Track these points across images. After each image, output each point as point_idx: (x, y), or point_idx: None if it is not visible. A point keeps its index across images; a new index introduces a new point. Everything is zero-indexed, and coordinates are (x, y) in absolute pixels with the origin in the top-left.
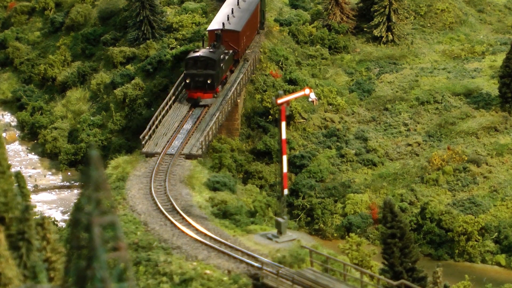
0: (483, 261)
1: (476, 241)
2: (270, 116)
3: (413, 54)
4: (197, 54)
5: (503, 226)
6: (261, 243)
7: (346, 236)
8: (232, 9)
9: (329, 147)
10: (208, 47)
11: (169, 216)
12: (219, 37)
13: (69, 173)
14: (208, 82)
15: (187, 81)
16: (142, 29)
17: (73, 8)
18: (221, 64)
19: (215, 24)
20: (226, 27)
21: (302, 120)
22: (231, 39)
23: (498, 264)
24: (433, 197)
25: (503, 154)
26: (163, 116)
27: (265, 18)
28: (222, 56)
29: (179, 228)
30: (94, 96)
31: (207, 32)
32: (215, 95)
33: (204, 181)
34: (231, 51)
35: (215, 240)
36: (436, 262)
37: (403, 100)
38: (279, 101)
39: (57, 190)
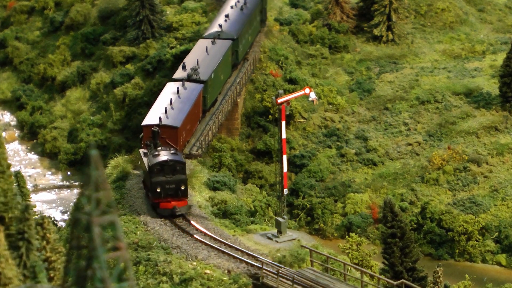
0: (484, 260)
1: (476, 240)
2: (270, 116)
3: (414, 53)
4: (162, 158)
5: (503, 226)
6: (261, 242)
7: (346, 236)
8: (171, 99)
9: (329, 147)
10: (164, 148)
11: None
12: (156, 134)
13: (68, 173)
14: (182, 188)
15: (158, 190)
16: (142, 28)
17: (72, 8)
18: None
19: (151, 117)
20: (163, 122)
21: (302, 120)
22: (168, 135)
23: (499, 263)
24: (433, 196)
25: (503, 154)
26: None
27: (266, 16)
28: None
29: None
30: (93, 95)
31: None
32: (188, 201)
33: (204, 181)
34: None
35: (215, 239)
36: (437, 261)
37: (404, 99)
38: (279, 100)
39: (56, 189)
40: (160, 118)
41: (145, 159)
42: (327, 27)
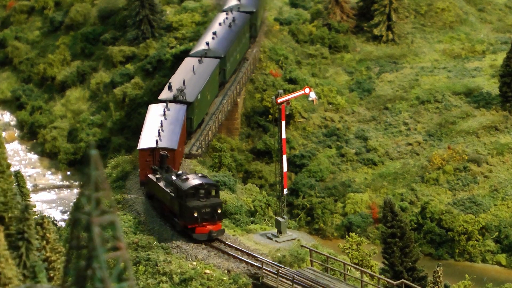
0: (484, 260)
1: (476, 240)
2: (270, 116)
3: (413, 53)
4: (196, 182)
5: (503, 226)
6: (261, 242)
7: (346, 236)
8: (161, 121)
9: (329, 147)
10: (194, 173)
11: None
12: (165, 158)
13: (68, 173)
14: (218, 212)
15: (195, 215)
16: (142, 28)
17: (72, 7)
18: None
19: (146, 141)
20: (160, 145)
21: (302, 120)
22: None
23: (499, 263)
24: (433, 196)
25: (503, 154)
26: None
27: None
28: None
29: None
30: (93, 95)
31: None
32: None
33: None
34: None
35: (215, 239)
36: (437, 261)
37: (403, 99)
38: (279, 100)
39: (56, 189)
40: (156, 141)
41: (161, 183)
42: (327, 27)
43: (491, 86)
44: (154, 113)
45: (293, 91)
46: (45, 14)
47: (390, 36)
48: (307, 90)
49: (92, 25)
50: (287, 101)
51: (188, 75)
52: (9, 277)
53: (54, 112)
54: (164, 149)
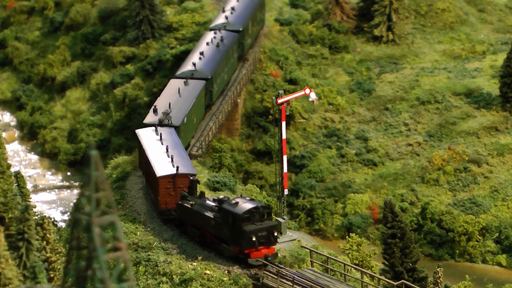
0: (484, 261)
1: (476, 241)
2: (270, 116)
3: (414, 53)
4: (250, 205)
5: (503, 226)
6: None
7: (347, 236)
8: (167, 146)
9: (329, 147)
10: (241, 197)
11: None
12: (195, 183)
13: (68, 173)
14: (275, 234)
15: (253, 240)
16: (142, 28)
17: (72, 8)
18: None
19: (164, 167)
20: (180, 171)
21: (302, 120)
22: (184, 184)
23: (499, 264)
24: (433, 197)
25: (503, 154)
26: None
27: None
28: None
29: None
30: (93, 96)
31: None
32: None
33: (204, 181)
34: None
35: None
36: (437, 262)
37: (404, 100)
38: (279, 101)
39: (56, 190)
40: (177, 168)
41: (199, 209)
42: (327, 27)
43: (492, 87)
44: (148, 138)
45: (294, 91)
46: (45, 14)
47: (391, 36)
48: (307, 90)
49: (92, 26)
50: (288, 102)
51: (173, 98)
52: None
53: (54, 112)
54: (184, 175)
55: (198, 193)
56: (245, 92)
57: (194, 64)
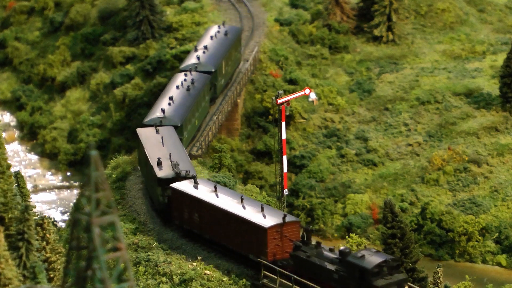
0: (484, 261)
1: (476, 241)
2: (270, 116)
3: (414, 54)
4: (379, 259)
5: (503, 227)
6: None
7: (347, 237)
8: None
9: (329, 147)
10: (365, 249)
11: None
12: (310, 232)
13: (68, 173)
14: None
15: None
16: (142, 29)
17: (72, 8)
18: None
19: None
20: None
21: (302, 120)
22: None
23: (499, 264)
24: (433, 197)
25: (503, 154)
26: None
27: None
28: None
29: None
30: (93, 96)
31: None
32: None
33: None
34: None
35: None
36: (437, 262)
37: (404, 100)
38: (279, 101)
39: (56, 190)
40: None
41: (318, 262)
42: (327, 27)
43: (491, 87)
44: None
45: (293, 91)
46: (45, 14)
47: (390, 36)
48: (307, 90)
49: (92, 26)
50: (287, 102)
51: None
52: (9, 277)
53: (54, 112)
54: (289, 222)
55: (314, 243)
56: (245, 92)
57: (163, 111)
